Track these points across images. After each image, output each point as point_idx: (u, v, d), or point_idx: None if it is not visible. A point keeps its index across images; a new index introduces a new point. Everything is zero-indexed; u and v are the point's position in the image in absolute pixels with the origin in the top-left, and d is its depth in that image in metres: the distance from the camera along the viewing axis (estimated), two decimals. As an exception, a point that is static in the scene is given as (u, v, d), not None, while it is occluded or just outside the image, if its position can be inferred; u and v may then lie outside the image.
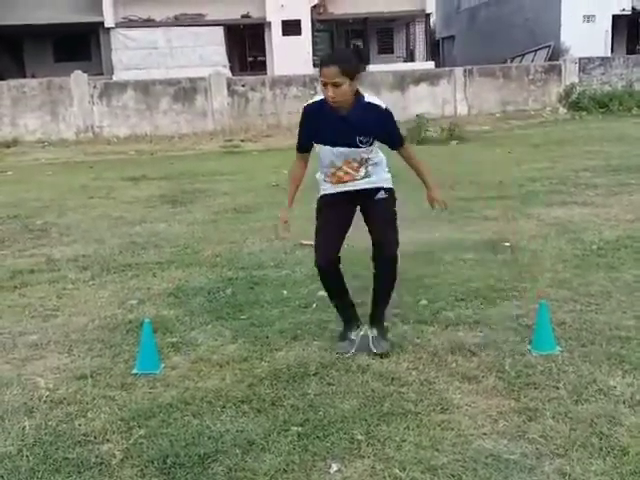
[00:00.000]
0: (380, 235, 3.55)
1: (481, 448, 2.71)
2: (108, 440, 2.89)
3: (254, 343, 3.88)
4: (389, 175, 3.64)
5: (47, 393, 3.35)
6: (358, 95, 3.39)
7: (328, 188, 3.62)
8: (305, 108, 3.53)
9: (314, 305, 4.47)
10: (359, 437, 2.82)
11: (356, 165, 3.51)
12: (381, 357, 3.58)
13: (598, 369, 3.34)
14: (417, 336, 3.88)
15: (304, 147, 3.60)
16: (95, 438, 2.91)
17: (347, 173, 3.54)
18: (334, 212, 3.61)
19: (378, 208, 3.57)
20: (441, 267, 5.24)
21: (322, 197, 3.67)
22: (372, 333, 3.66)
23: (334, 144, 3.44)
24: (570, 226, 6.41)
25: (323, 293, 4.68)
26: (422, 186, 3.78)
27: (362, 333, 3.68)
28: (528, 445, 2.72)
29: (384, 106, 3.43)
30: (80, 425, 3.03)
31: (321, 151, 3.52)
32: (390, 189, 3.61)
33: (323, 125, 3.43)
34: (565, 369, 3.36)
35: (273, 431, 2.90)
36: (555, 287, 4.62)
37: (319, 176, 3.67)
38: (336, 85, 3.25)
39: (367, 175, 3.55)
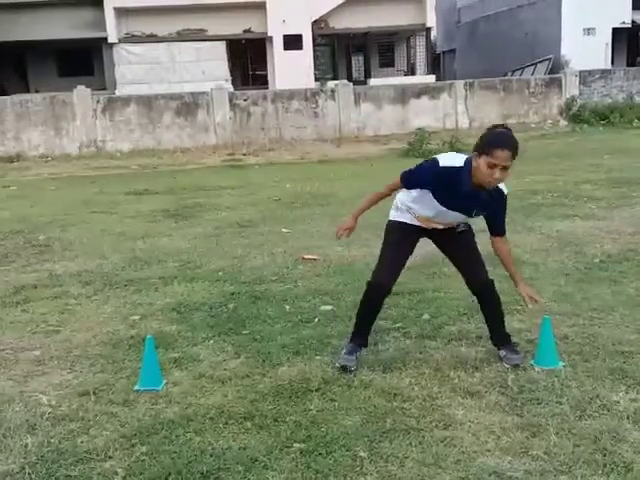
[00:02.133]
0: (469, 267, 3.68)
1: (484, 465, 2.70)
2: (110, 457, 2.89)
3: (256, 358, 3.88)
4: None
5: (49, 410, 3.35)
6: None
7: (406, 219, 3.62)
8: (441, 169, 3.34)
9: (316, 320, 4.48)
10: (362, 454, 2.81)
11: (453, 225, 3.58)
12: (514, 367, 3.56)
13: (601, 384, 3.33)
14: (419, 351, 3.88)
15: (413, 188, 3.49)
16: (97, 455, 2.91)
17: (435, 224, 3.58)
18: (404, 243, 3.65)
19: (461, 241, 3.65)
20: (443, 281, 5.24)
21: (396, 222, 3.66)
22: (502, 354, 3.68)
23: (452, 209, 3.44)
24: (572, 239, 6.41)
25: (325, 307, 4.72)
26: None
27: (357, 354, 3.70)
28: (532, 462, 2.71)
29: (506, 191, 3.47)
30: (82, 442, 3.02)
31: (432, 202, 3.44)
32: (467, 224, 3.66)
33: (452, 192, 3.35)
34: (568, 384, 3.35)
35: (275, 448, 2.89)
36: (557, 301, 4.62)
37: (403, 203, 3.61)
38: (505, 168, 3.22)
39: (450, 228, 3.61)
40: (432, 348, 3.92)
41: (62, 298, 5.30)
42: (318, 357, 3.86)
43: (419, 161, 3.61)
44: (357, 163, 14.78)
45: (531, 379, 3.43)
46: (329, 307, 4.74)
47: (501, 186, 3.43)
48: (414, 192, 3.50)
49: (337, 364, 3.65)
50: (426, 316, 4.43)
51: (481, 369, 3.59)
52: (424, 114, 19.17)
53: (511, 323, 4.22)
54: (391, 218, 3.70)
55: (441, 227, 3.60)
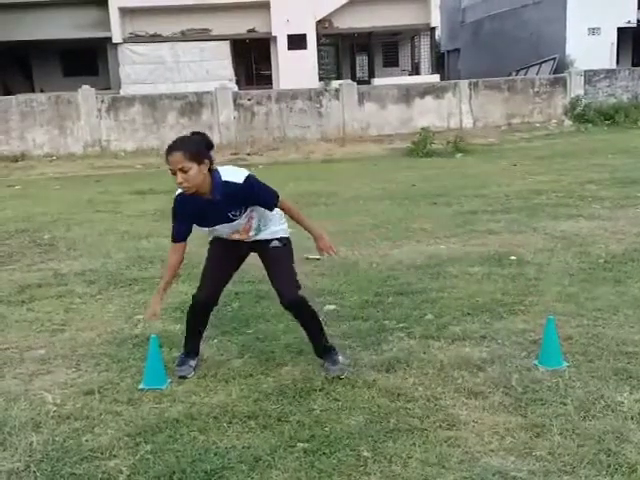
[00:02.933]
0: (277, 283, 3.61)
1: (488, 465, 2.70)
2: (115, 456, 2.90)
3: (260, 358, 3.89)
4: (284, 225, 3.65)
5: (54, 408, 3.36)
6: (214, 175, 3.35)
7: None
8: (176, 197, 3.47)
9: (321, 318, 4.47)
10: (365, 454, 2.82)
11: (245, 233, 3.56)
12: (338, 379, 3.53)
13: (605, 385, 3.33)
14: (423, 351, 3.88)
15: (183, 235, 3.53)
16: (102, 454, 2.92)
17: (240, 236, 3.58)
18: (224, 254, 3.67)
19: (272, 256, 3.61)
20: (447, 281, 5.24)
21: (215, 238, 3.71)
22: (323, 364, 3.67)
23: (214, 225, 3.49)
24: (576, 239, 6.40)
25: (329, 307, 4.72)
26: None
27: (192, 364, 3.74)
28: (536, 462, 2.70)
29: (241, 180, 3.36)
30: (87, 441, 3.03)
31: (205, 229, 3.56)
32: (285, 238, 3.63)
33: (197, 211, 3.43)
34: (572, 385, 3.35)
35: (279, 447, 2.90)
36: (562, 301, 4.61)
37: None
38: (183, 171, 3.23)
39: (258, 231, 3.58)
40: (436, 348, 3.92)
41: (67, 297, 5.31)
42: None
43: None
44: (361, 163, 14.78)
45: (535, 379, 3.43)
46: (332, 307, 4.75)
47: (232, 179, 3.37)
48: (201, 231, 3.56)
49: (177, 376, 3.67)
50: (430, 316, 4.43)
51: (485, 369, 3.59)
52: (428, 114, 19.15)
53: (515, 324, 4.23)
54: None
55: (252, 236, 3.57)
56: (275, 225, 3.61)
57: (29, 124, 17.62)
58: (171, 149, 3.29)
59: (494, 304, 4.61)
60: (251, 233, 3.58)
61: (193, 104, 18.28)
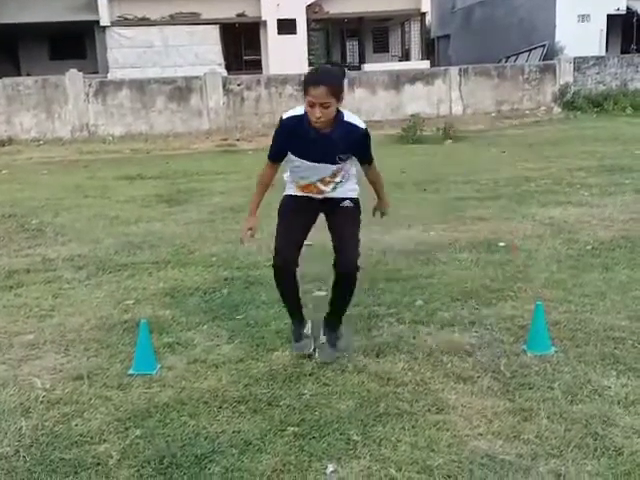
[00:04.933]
0: (342, 245, 3.50)
1: (476, 449, 2.72)
2: (105, 440, 2.90)
3: (250, 343, 3.89)
4: (357, 186, 3.62)
5: (43, 393, 3.35)
6: (338, 113, 3.30)
7: (293, 191, 3.61)
8: (284, 121, 3.37)
9: (310, 305, 4.47)
10: (355, 437, 2.84)
11: (329, 181, 3.50)
12: (326, 364, 3.53)
13: (593, 370, 3.36)
14: (413, 336, 3.90)
15: (278, 157, 3.49)
16: (92, 439, 2.92)
17: (317, 188, 3.53)
18: (297, 214, 3.57)
19: (342, 216, 3.54)
20: (437, 267, 5.26)
21: (286, 197, 3.64)
22: (322, 340, 3.67)
23: (314, 161, 3.40)
24: (565, 226, 6.44)
25: (319, 293, 4.72)
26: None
27: (307, 331, 3.70)
28: (523, 446, 2.73)
29: (363, 127, 3.37)
30: (77, 425, 3.03)
31: (297, 162, 3.46)
32: (356, 199, 3.59)
33: (304, 142, 3.34)
34: (560, 369, 3.38)
35: (269, 431, 2.91)
36: (550, 288, 4.64)
37: (287, 177, 3.64)
38: (324, 106, 3.17)
39: (336, 187, 3.53)
40: (425, 333, 3.94)
41: (55, 282, 5.29)
42: (312, 342, 3.87)
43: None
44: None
45: (523, 364, 3.46)
46: (323, 292, 4.73)
47: (356, 122, 3.35)
48: (288, 164, 3.51)
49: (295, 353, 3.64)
50: (420, 302, 4.45)
51: (474, 354, 3.62)
52: (418, 100, 19.13)
53: (504, 310, 4.26)
54: (283, 194, 3.67)
55: (327, 192, 3.51)
56: (350, 183, 3.56)
57: (16, 108, 17.43)
58: (317, 81, 3.18)
59: (483, 290, 4.64)
60: (330, 187, 3.50)
61: (182, 89, 18.14)
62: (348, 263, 3.47)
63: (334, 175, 3.48)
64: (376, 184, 3.70)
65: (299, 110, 3.33)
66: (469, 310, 4.29)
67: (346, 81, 3.48)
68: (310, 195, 3.57)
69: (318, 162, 3.39)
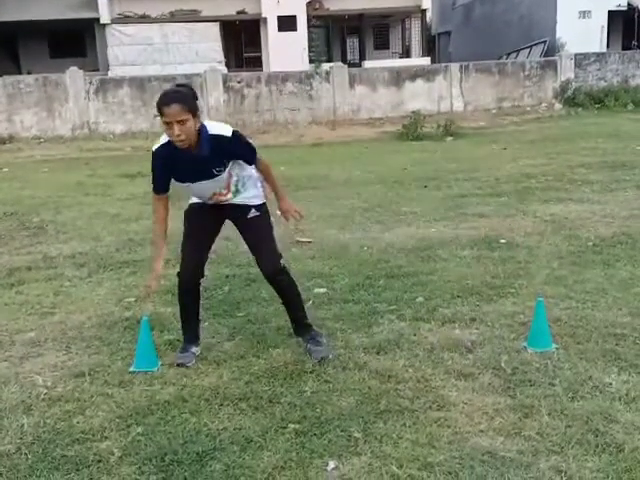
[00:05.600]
0: (257, 253, 3.59)
1: (477, 445, 2.72)
2: (106, 438, 2.90)
3: (251, 341, 3.89)
4: (260, 190, 3.60)
5: (45, 391, 3.36)
6: (201, 129, 3.29)
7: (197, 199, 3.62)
8: (155, 152, 3.39)
9: (310, 302, 4.48)
10: (356, 434, 2.84)
11: (224, 192, 3.50)
12: (320, 361, 3.52)
13: (594, 366, 3.36)
14: (414, 333, 3.90)
15: (163, 188, 3.48)
16: (93, 436, 2.92)
17: (218, 198, 3.53)
18: (201, 222, 3.60)
19: (252, 227, 3.57)
20: (437, 264, 5.25)
21: (190, 205, 3.64)
22: (305, 347, 3.68)
23: (194, 180, 3.42)
24: (566, 223, 6.43)
25: (319, 290, 4.73)
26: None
27: (196, 352, 3.68)
28: (524, 442, 2.73)
29: (229, 133, 3.35)
30: (78, 423, 3.04)
31: (184, 186, 3.48)
32: (261, 205, 3.59)
33: (179, 166, 3.36)
34: (561, 366, 3.38)
35: (270, 429, 2.91)
36: (551, 284, 4.64)
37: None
38: (181, 123, 3.17)
39: (236, 192, 3.52)
40: (426, 330, 3.94)
41: (56, 280, 5.29)
42: (313, 339, 3.87)
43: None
44: (352, 146, 14.74)
45: (524, 361, 3.46)
46: (323, 290, 4.76)
47: (220, 131, 3.35)
48: (184, 188, 3.50)
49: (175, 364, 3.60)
50: (420, 299, 4.45)
51: (475, 351, 3.61)
52: (419, 97, 19.09)
53: (505, 306, 4.26)
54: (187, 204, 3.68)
55: (230, 198, 3.51)
56: (252, 188, 3.55)
57: (16, 106, 17.41)
58: (168, 100, 3.19)
59: (484, 287, 4.63)
60: (229, 195, 3.51)
61: (182, 86, 18.12)
62: (269, 265, 3.56)
63: (227, 186, 3.49)
64: (267, 178, 3.62)
65: (165, 138, 3.32)
66: (470, 307, 4.28)
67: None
68: (215, 202, 3.56)
69: (201, 180, 3.41)
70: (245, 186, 3.54)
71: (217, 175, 3.41)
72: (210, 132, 3.32)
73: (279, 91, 18.59)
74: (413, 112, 16.38)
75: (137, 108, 17.95)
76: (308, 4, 23.97)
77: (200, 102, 3.48)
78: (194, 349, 3.69)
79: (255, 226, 3.57)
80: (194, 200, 3.65)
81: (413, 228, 6.54)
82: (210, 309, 4.44)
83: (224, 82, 18.34)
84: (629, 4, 24.69)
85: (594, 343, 3.63)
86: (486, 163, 10.71)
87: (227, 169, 3.43)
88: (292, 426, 2.92)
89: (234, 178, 3.49)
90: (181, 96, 3.23)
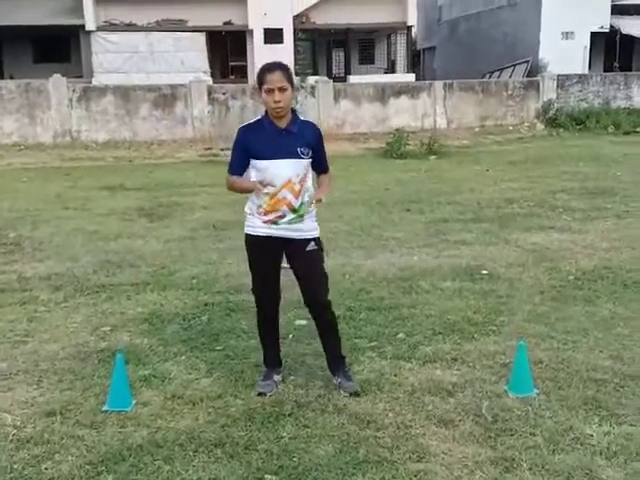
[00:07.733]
0: (307, 286, 3.60)
1: (457, 502, 2.67)
2: (75, 486, 2.81)
3: (229, 378, 3.82)
4: (316, 224, 3.61)
5: (14, 431, 3.26)
6: (294, 113, 3.48)
7: (256, 224, 3.53)
8: (242, 129, 3.50)
9: (291, 336, 4.42)
10: (334, 488, 2.77)
11: (297, 188, 3.43)
12: (356, 395, 3.55)
13: (575, 415, 3.32)
14: (394, 373, 3.84)
15: (238, 171, 3.50)
16: (62, 484, 2.82)
17: (286, 201, 3.43)
18: (266, 263, 3.59)
19: (307, 259, 3.55)
20: (419, 296, 5.21)
21: (249, 238, 3.58)
22: (336, 380, 3.66)
23: (278, 157, 3.38)
24: (547, 253, 6.43)
25: (300, 322, 4.66)
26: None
27: (277, 379, 3.71)
28: (504, 500, 2.69)
29: (318, 127, 3.60)
30: (47, 469, 2.94)
31: (261, 165, 3.41)
32: (318, 238, 3.61)
33: (264, 140, 3.42)
34: (542, 414, 3.34)
35: (247, 479, 2.84)
36: (532, 322, 4.61)
37: (248, 208, 3.60)
38: (282, 90, 3.31)
39: (301, 206, 3.45)
40: (407, 370, 3.89)
41: (31, 304, 5.18)
42: (292, 377, 3.81)
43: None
44: (336, 162, 14.65)
45: (505, 407, 3.42)
46: (304, 322, 4.68)
47: (311, 120, 3.64)
48: (256, 176, 3.46)
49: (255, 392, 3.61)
50: (401, 335, 4.40)
51: (456, 395, 3.57)
52: (403, 113, 19.15)
53: (486, 345, 4.22)
54: (245, 231, 3.63)
55: (285, 234, 3.48)
56: (310, 222, 3.55)
57: (-3, 112, 17.18)
58: (272, 67, 3.37)
59: (465, 323, 4.60)
60: (296, 203, 3.44)
61: (167, 96, 18.00)
62: (318, 299, 3.59)
63: (301, 180, 3.44)
64: (320, 184, 3.71)
65: (257, 116, 3.53)
66: (451, 345, 4.24)
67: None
68: (271, 233, 3.49)
69: (282, 158, 3.39)
70: (307, 216, 3.50)
71: (300, 157, 3.41)
72: (302, 118, 3.53)
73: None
74: (397, 129, 16.40)
75: (120, 117, 17.78)
76: (295, 17, 23.98)
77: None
78: (276, 377, 3.71)
79: (311, 259, 3.57)
80: (249, 230, 3.56)
81: (396, 255, 6.50)
82: (188, 341, 4.37)
83: (209, 93, 18.24)
84: (611, 26, 25.03)
85: (575, 389, 3.60)
86: (468, 185, 10.72)
87: (308, 159, 3.45)
88: (269, 477, 2.85)
89: (308, 183, 3.50)
90: (284, 66, 3.41)
